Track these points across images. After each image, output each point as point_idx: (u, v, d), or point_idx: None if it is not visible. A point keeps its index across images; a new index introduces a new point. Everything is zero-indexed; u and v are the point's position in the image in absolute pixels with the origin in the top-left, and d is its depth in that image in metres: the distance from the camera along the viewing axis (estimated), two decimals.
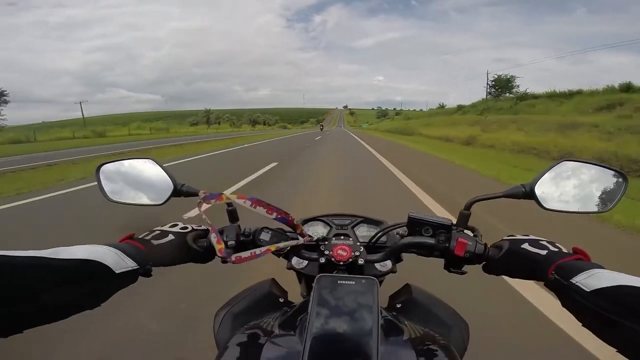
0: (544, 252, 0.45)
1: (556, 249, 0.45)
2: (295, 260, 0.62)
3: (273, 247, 0.52)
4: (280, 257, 0.60)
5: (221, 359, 0.43)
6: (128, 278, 0.42)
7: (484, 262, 0.50)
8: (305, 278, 0.66)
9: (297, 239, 0.56)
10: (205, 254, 0.54)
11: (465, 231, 0.52)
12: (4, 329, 0.31)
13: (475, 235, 0.52)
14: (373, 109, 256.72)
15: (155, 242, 0.49)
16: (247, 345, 0.45)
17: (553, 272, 0.41)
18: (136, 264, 0.43)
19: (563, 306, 0.39)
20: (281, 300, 0.59)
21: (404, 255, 0.59)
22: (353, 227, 0.70)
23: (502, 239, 0.50)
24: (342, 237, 0.59)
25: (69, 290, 0.35)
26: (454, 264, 0.51)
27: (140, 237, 0.50)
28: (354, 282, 0.41)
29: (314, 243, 0.57)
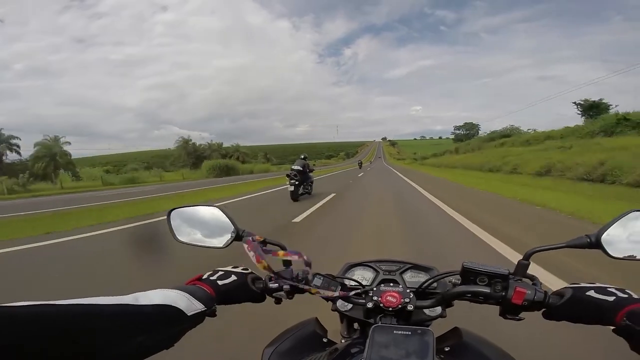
0: (611, 299, 0.46)
1: (626, 295, 0.46)
2: (340, 303, 0.65)
3: (328, 293, 0.57)
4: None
5: None
6: (197, 319, 0.46)
7: (543, 309, 0.51)
8: (348, 320, 0.69)
9: (345, 285, 0.61)
10: (262, 295, 0.59)
11: (523, 280, 0.53)
12: None
13: (534, 284, 0.53)
14: (415, 139, 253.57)
15: (220, 282, 0.54)
16: None
17: (624, 318, 0.42)
18: (204, 306, 0.47)
19: (632, 349, 0.41)
20: (324, 340, 0.61)
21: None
22: (401, 273, 0.71)
23: (565, 287, 0.51)
24: (391, 284, 0.62)
25: (149, 335, 0.38)
26: (511, 311, 0.52)
27: (206, 277, 0.55)
28: (409, 333, 0.42)
29: (360, 290, 0.60)
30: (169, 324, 0.42)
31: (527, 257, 0.54)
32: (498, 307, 0.54)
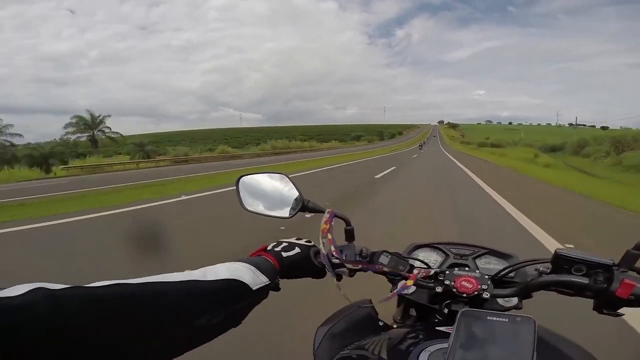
0: None
1: None
2: (402, 284, 0.61)
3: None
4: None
5: None
6: (262, 293, 0.45)
7: None
8: (406, 303, 0.66)
9: (413, 266, 0.58)
10: (323, 270, 0.58)
11: (629, 272, 0.48)
12: (165, 354, 0.33)
13: None
14: (479, 123, 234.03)
15: (284, 254, 0.54)
16: None
17: None
18: (268, 280, 0.46)
19: None
20: (380, 323, 0.59)
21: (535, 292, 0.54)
22: (475, 259, 0.67)
23: None
24: (465, 268, 0.57)
25: (218, 311, 0.38)
26: (609, 305, 0.48)
27: (270, 248, 0.55)
28: (506, 320, 0.37)
29: (432, 274, 0.56)
30: (234, 299, 0.41)
31: (638, 247, 0.47)
32: (591, 300, 0.49)
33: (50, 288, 0.27)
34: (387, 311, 0.68)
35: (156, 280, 0.35)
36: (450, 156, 22.24)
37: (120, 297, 0.30)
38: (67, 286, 0.28)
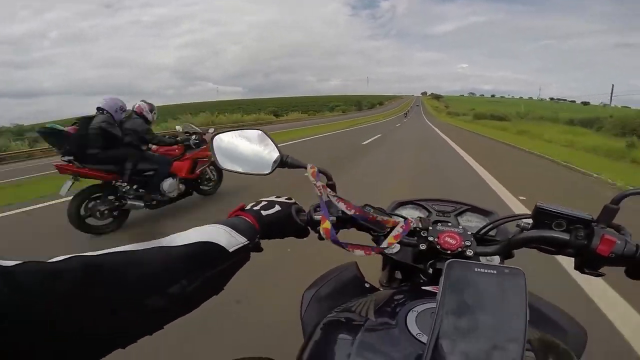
0: None
1: None
2: (385, 244, 0.61)
3: (390, 223, 0.53)
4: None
5: (312, 339, 0.43)
6: (241, 255, 0.43)
7: (628, 265, 0.46)
8: (391, 265, 0.65)
9: (397, 220, 0.56)
10: (306, 228, 0.57)
11: (608, 229, 0.47)
12: (143, 326, 0.32)
13: (622, 234, 0.46)
14: (462, 95, 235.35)
15: (264, 212, 0.52)
16: (339, 328, 0.45)
17: None
18: (246, 239, 0.44)
19: None
20: (367, 285, 0.59)
21: (516, 251, 0.54)
22: (457, 215, 0.67)
23: None
24: (448, 224, 0.56)
25: (192, 277, 0.36)
26: (590, 264, 0.47)
27: (249, 208, 0.52)
28: (495, 272, 0.34)
29: (415, 228, 0.55)
30: (210, 263, 0.39)
31: (616, 201, 0.47)
32: (572, 259, 0.49)
33: (1, 264, 0.25)
34: (373, 275, 0.69)
35: (120, 250, 0.33)
36: (442, 135, 14.70)
37: (83, 270, 0.28)
38: (19, 262, 0.26)
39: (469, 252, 0.52)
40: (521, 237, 0.50)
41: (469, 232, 0.54)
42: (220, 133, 0.63)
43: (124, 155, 3.02)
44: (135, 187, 3.09)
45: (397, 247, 0.59)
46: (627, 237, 0.46)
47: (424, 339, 0.37)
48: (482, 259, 0.56)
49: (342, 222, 0.56)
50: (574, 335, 0.50)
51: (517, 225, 0.55)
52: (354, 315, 0.46)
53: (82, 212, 2.77)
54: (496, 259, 0.56)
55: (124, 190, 2.98)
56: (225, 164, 0.62)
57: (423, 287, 0.50)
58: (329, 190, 0.54)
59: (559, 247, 0.48)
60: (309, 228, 0.57)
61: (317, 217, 0.56)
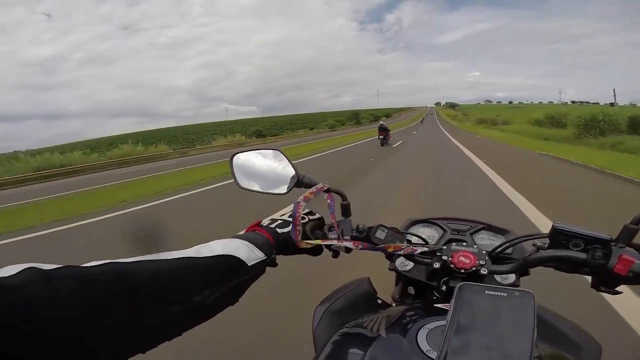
0: None
1: None
2: (399, 261, 0.63)
3: (391, 248, 0.53)
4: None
5: (322, 354, 0.44)
6: (258, 269, 0.45)
7: None
8: (405, 281, 0.66)
9: (410, 242, 0.57)
10: (320, 247, 0.57)
11: (627, 248, 0.47)
12: (164, 332, 0.33)
13: None
14: (478, 103, 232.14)
15: (279, 230, 0.53)
16: (350, 343, 0.45)
17: None
18: (264, 255, 0.46)
19: None
20: (379, 301, 0.59)
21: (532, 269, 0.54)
22: (472, 234, 0.67)
23: None
24: (463, 244, 0.57)
25: (215, 288, 0.38)
26: (607, 282, 0.48)
27: (264, 224, 0.54)
28: (505, 294, 0.36)
29: (427, 249, 0.55)
30: (230, 275, 0.40)
31: (636, 221, 0.46)
32: (589, 277, 0.49)
33: (42, 268, 0.26)
34: (386, 290, 0.69)
35: (151, 259, 0.35)
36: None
37: (117, 276, 0.30)
38: (59, 266, 0.27)
39: (484, 271, 0.51)
40: (537, 256, 0.50)
41: (484, 251, 0.54)
42: (239, 153, 0.65)
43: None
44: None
45: (409, 265, 0.61)
46: None
47: (433, 355, 0.37)
48: (498, 277, 0.57)
49: (357, 240, 0.57)
50: (588, 350, 0.49)
51: (534, 245, 0.55)
52: (366, 330, 0.47)
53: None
54: (512, 277, 0.56)
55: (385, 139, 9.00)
56: (243, 182, 0.64)
57: (436, 305, 0.50)
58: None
59: (576, 266, 0.48)
60: (323, 247, 0.58)
61: (331, 236, 0.57)
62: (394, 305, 0.63)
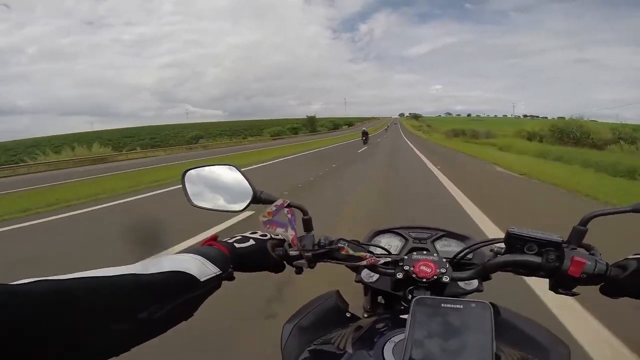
0: None
1: None
2: (365, 273, 0.63)
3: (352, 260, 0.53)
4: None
5: None
6: (212, 284, 0.44)
7: (602, 284, 0.48)
8: (373, 292, 0.67)
9: (372, 253, 0.58)
10: (281, 263, 0.57)
11: (579, 249, 0.49)
12: (109, 349, 0.32)
13: (592, 254, 0.48)
14: (439, 115, 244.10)
15: (237, 245, 0.52)
16: None
17: None
18: (219, 269, 0.44)
19: None
20: (348, 314, 0.60)
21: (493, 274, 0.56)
22: (433, 242, 0.69)
23: (627, 258, 0.47)
24: (424, 252, 0.58)
25: (162, 304, 0.37)
26: (564, 285, 0.49)
27: (222, 240, 0.52)
28: (461, 306, 0.36)
29: (390, 259, 0.57)
30: (180, 292, 0.39)
31: (584, 222, 0.49)
32: (547, 280, 0.50)
33: None
34: (357, 301, 0.69)
35: (90, 275, 0.33)
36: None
37: (51, 293, 0.29)
38: None
39: (445, 279, 0.52)
40: (495, 261, 0.52)
41: (444, 259, 0.55)
42: (191, 169, 0.62)
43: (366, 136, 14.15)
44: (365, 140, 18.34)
45: (375, 277, 0.62)
46: (597, 256, 0.48)
47: None
48: (461, 283, 0.58)
49: (319, 255, 0.57)
50: (556, 352, 0.50)
51: (491, 250, 0.57)
52: (332, 347, 0.47)
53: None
54: (474, 282, 0.58)
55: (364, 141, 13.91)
56: (196, 200, 0.61)
57: (401, 316, 0.50)
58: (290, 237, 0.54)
59: (532, 270, 0.49)
60: (285, 263, 0.57)
61: (293, 252, 0.56)
62: (365, 316, 0.63)
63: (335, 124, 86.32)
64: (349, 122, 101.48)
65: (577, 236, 0.49)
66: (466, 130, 33.06)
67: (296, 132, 57.34)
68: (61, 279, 0.31)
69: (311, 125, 65.46)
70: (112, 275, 0.35)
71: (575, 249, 0.49)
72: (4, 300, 0.26)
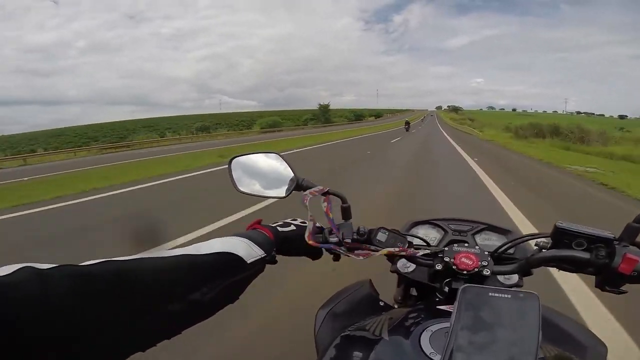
0: None
1: None
2: (401, 263, 0.63)
3: (392, 251, 0.53)
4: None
5: (325, 358, 0.44)
6: (257, 267, 0.45)
7: None
8: (407, 283, 0.66)
9: (411, 244, 0.57)
10: (320, 250, 0.57)
11: (630, 247, 0.47)
12: (163, 330, 0.33)
13: None
14: (481, 109, 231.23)
15: (280, 229, 0.54)
16: (352, 346, 0.45)
17: None
18: (263, 252, 0.46)
19: None
20: (381, 303, 0.60)
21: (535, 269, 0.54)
22: (474, 235, 0.67)
23: None
24: (465, 245, 0.57)
25: (212, 285, 0.38)
26: (611, 282, 0.47)
27: (265, 223, 0.55)
28: (509, 296, 0.35)
29: (429, 251, 0.56)
30: (229, 273, 0.41)
31: (638, 219, 0.46)
32: (593, 277, 0.49)
33: (38, 267, 0.26)
34: (388, 292, 0.69)
35: (150, 256, 0.35)
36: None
37: (113, 274, 0.30)
38: (55, 265, 0.27)
39: (486, 272, 0.52)
40: (540, 256, 0.50)
41: (486, 252, 0.54)
42: (238, 156, 0.65)
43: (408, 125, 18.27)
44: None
45: (411, 267, 0.61)
46: None
47: (437, 357, 0.38)
48: (501, 277, 0.57)
49: (358, 243, 0.57)
50: (594, 351, 0.49)
51: (536, 245, 0.55)
52: (368, 333, 0.47)
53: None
54: (515, 277, 0.57)
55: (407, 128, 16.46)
56: (242, 186, 0.64)
57: (438, 307, 0.50)
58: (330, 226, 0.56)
59: (579, 266, 0.48)
60: (323, 250, 0.58)
61: (332, 239, 0.57)
62: (396, 307, 0.63)
63: (357, 115, 76.15)
64: (377, 114, 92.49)
65: (630, 233, 0.47)
66: (561, 129, 18.20)
67: (305, 123, 51.50)
68: (124, 260, 0.32)
69: (324, 115, 56.05)
70: (169, 256, 0.36)
71: (627, 246, 0.47)
72: (73, 282, 0.27)
